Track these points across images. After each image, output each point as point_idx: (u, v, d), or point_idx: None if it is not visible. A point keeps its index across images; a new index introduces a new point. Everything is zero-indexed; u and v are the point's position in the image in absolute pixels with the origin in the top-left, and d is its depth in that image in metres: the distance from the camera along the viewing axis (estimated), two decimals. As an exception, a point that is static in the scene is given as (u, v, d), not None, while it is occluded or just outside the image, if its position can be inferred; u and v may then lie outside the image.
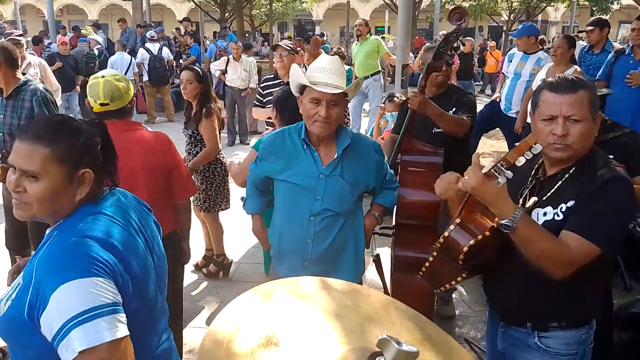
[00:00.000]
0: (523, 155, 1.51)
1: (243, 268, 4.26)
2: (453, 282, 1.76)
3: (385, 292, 3.13)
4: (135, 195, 1.61)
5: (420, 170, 2.88)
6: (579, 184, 1.61)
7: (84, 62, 9.61)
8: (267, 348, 0.95)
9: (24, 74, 3.41)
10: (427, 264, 1.78)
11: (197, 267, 4.18)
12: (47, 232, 1.39)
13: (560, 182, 1.66)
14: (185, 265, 2.84)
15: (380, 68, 7.97)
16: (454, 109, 3.10)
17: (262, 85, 4.43)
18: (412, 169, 2.88)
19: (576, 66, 4.85)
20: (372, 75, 7.73)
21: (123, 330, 1.20)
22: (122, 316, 1.22)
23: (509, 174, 1.52)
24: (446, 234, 1.66)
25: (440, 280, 1.80)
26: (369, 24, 8.02)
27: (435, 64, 2.97)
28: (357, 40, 7.91)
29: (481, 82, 15.79)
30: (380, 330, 1.03)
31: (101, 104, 2.35)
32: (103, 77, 2.39)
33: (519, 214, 1.53)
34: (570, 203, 1.60)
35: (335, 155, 2.06)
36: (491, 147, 8.09)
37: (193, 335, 3.29)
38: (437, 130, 3.10)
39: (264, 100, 4.24)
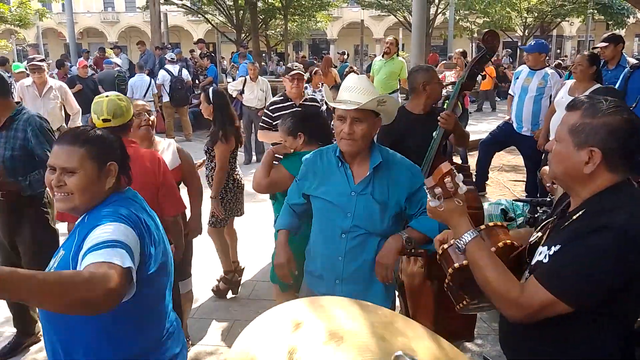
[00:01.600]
0: (446, 182, 1.50)
1: (260, 286, 4.27)
2: (461, 305, 1.71)
3: (406, 313, 3.12)
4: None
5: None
6: (574, 227, 1.44)
7: (115, 84, 9.91)
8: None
9: (17, 102, 3.23)
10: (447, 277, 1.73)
11: (217, 292, 4.13)
12: (77, 221, 1.70)
13: (566, 223, 1.49)
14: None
15: (398, 86, 8.02)
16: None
17: (271, 107, 4.35)
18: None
19: (599, 84, 4.81)
20: (390, 93, 7.78)
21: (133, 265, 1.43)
22: (129, 258, 1.44)
23: (435, 202, 1.53)
24: (445, 246, 1.66)
25: (455, 297, 1.76)
26: (399, 43, 8.06)
27: (468, 84, 3.07)
28: (383, 57, 7.91)
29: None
30: (396, 347, 1.05)
31: (104, 120, 2.58)
32: (107, 96, 2.65)
33: (470, 236, 1.52)
34: (557, 247, 1.43)
35: (368, 173, 2.10)
36: (508, 162, 8.05)
37: (203, 354, 3.31)
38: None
39: (273, 123, 4.18)
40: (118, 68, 11.06)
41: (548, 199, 3.13)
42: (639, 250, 1.33)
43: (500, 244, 1.62)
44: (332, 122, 2.31)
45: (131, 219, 1.57)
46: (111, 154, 1.69)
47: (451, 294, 1.72)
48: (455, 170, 1.52)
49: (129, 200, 1.68)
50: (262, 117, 4.38)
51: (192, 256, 3.32)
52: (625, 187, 1.44)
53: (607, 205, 1.40)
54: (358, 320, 1.21)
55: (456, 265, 1.60)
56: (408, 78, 3.50)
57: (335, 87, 4.35)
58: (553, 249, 1.44)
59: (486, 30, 3.26)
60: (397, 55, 7.94)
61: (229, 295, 4.11)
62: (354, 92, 2.01)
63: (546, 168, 2.29)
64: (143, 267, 1.56)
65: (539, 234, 1.61)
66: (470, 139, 3.39)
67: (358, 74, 6.82)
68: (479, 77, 9.40)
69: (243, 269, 4.23)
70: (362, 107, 1.97)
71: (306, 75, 5.26)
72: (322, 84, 7.32)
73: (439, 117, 3.06)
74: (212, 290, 4.11)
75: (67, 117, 6.33)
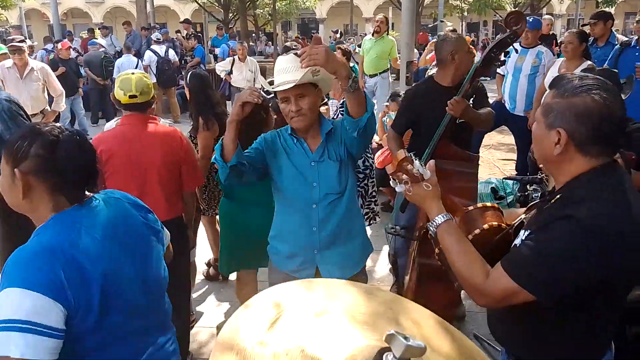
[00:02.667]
0: (407, 168, 1.53)
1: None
2: (457, 283, 1.71)
3: (398, 289, 3.14)
4: (128, 196, 1.66)
5: (453, 177, 2.74)
6: (546, 213, 1.40)
7: (103, 66, 9.76)
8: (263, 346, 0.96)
9: None
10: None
11: (208, 277, 4.17)
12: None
13: (544, 207, 1.45)
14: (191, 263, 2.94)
15: (389, 66, 7.94)
16: (473, 98, 3.04)
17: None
18: (445, 176, 2.77)
19: (589, 61, 4.80)
20: (380, 73, 7.71)
21: (34, 354, 1.22)
22: (42, 340, 1.24)
23: (401, 186, 1.56)
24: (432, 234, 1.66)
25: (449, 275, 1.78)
26: (389, 22, 7.95)
27: (483, 70, 2.82)
28: (373, 36, 7.80)
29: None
30: (390, 327, 1.04)
31: (130, 96, 2.61)
32: (133, 74, 2.70)
33: (441, 219, 1.52)
34: (527, 232, 1.41)
35: (321, 141, 2.19)
36: (499, 141, 8.07)
37: (201, 334, 3.34)
38: (460, 120, 2.99)
39: None
40: (103, 49, 10.87)
41: (538, 177, 3.12)
42: (599, 245, 1.27)
43: (485, 226, 1.62)
44: None
45: (41, 276, 1.28)
46: (28, 161, 1.39)
47: (449, 273, 1.73)
48: (412, 157, 1.54)
49: (66, 225, 1.41)
50: None
51: (195, 229, 3.45)
52: (602, 174, 1.36)
53: (577, 194, 1.34)
54: (353, 297, 1.20)
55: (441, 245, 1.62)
56: (435, 48, 3.29)
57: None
58: (525, 233, 1.42)
59: (511, 11, 2.95)
60: (387, 34, 7.85)
61: (220, 278, 4.11)
62: (288, 72, 2.07)
63: None
64: (75, 320, 1.32)
65: (523, 215, 1.58)
66: (492, 117, 3.14)
67: (350, 54, 6.72)
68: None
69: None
70: (299, 82, 2.02)
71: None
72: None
73: (448, 102, 2.84)
74: (203, 274, 4.12)
75: (51, 99, 6.21)
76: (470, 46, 3.21)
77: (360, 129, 2.03)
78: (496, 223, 1.63)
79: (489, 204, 1.76)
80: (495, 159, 7.22)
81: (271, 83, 2.20)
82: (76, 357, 1.35)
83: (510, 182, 4.69)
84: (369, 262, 4.27)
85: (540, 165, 2.38)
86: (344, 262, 2.25)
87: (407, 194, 1.57)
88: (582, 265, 1.28)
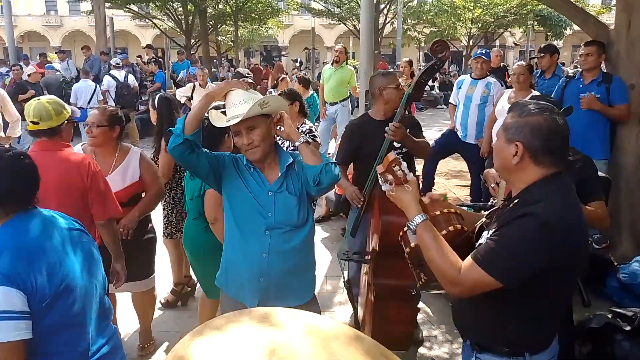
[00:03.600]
0: (394, 169, 1.72)
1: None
2: (420, 283, 1.91)
3: (355, 316, 3.16)
4: (61, 213, 1.88)
5: None
6: (507, 214, 1.64)
7: (62, 89, 9.56)
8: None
9: None
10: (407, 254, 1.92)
11: (166, 304, 4.04)
12: None
13: (505, 210, 1.70)
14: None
15: (348, 94, 8.10)
16: (407, 131, 3.15)
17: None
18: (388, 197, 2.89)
19: (535, 92, 5.05)
20: (341, 101, 7.86)
21: (10, 336, 1.50)
22: (16, 323, 1.51)
23: (386, 186, 1.76)
24: (405, 228, 1.82)
25: (415, 275, 1.96)
26: (347, 52, 8.14)
27: (415, 94, 3.01)
28: (332, 65, 7.96)
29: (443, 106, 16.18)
30: None
31: (32, 122, 2.61)
32: (39, 99, 2.68)
33: (420, 219, 1.70)
34: (492, 231, 1.65)
35: (280, 173, 2.21)
36: (454, 167, 8.28)
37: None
38: (396, 152, 3.17)
39: None
40: (58, 73, 10.67)
41: (489, 204, 3.22)
42: (552, 235, 1.52)
43: (451, 228, 1.84)
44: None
45: (8, 273, 1.54)
46: None
47: (413, 272, 1.95)
48: (400, 159, 1.74)
49: (13, 230, 1.65)
50: None
51: (152, 255, 3.34)
52: (555, 181, 1.62)
53: (534, 196, 1.59)
54: (300, 333, 1.21)
55: (412, 244, 1.80)
56: (369, 85, 3.50)
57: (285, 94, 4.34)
58: (490, 232, 1.65)
59: (435, 40, 3.20)
60: (347, 63, 8.04)
61: (179, 304, 4.03)
62: (237, 106, 2.10)
63: (490, 170, 2.41)
64: (31, 301, 1.56)
65: (485, 219, 1.84)
66: (429, 147, 3.34)
67: (309, 82, 6.78)
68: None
69: (190, 278, 4.12)
70: (245, 116, 2.07)
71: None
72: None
73: (386, 129, 3.03)
74: (160, 302, 4.00)
75: (6, 125, 6.02)
76: (409, 77, 3.44)
77: (315, 178, 2.12)
78: (460, 226, 1.86)
79: (452, 209, 1.94)
80: (452, 185, 7.41)
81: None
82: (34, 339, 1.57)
83: (465, 208, 4.81)
84: (328, 288, 4.33)
85: (492, 185, 2.51)
86: (289, 293, 2.22)
87: (390, 194, 1.76)
88: (539, 252, 1.53)
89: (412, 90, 3.02)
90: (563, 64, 9.77)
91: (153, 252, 3.36)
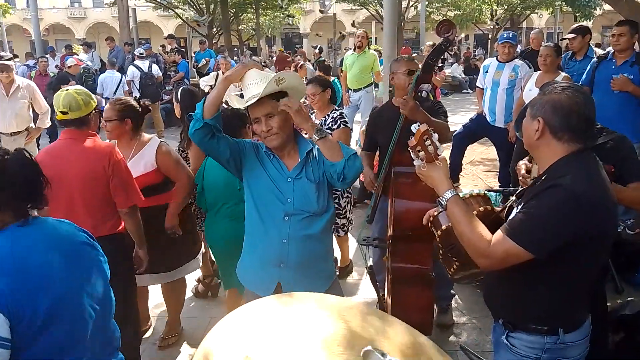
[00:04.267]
0: (426, 143, 1.70)
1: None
2: (452, 270, 1.92)
3: (380, 302, 3.15)
4: (70, 223, 1.71)
5: (414, 181, 2.88)
6: (536, 189, 1.68)
7: (83, 80, 9.73)
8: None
9: None
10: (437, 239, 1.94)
11: (196, 294, 4.11)
12: None
13: (531, 187, 1.76)
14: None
15: (372, 80, 8.03)
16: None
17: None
18: (406, 180, 2.89)
19: (564, 73, 4.93)
20: (365, 87, 7.79)
21: None
22: None
23: (418, 161, 1.76)
24: (435, 212, 1.86)
25: (446, 262, 1.97)
26: (369, 36, 8.06)
27: (425, 76, 2.99)
28: (354, 51, 7.88)
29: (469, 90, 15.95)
30: (369, 343, 1.05)
31: (62, 112, 2.67)
32: (67, 90, 2.74)
33: (450, 194, 1.72)
34: (521, 205, 1.70)
35: (299, 160, 2.21)
36: (481, 154, 8.16)
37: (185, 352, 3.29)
38: None
39: None
40: (83, 65, 10.83)
41: (520, 189, 3.17)
42: (579, 207, 1.56)
43: (481, 208, 1.88)
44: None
45: None
46: None
47: (443, 260, 1.95)
48: (431, 132, 1.73)
49: (10, 239, 1.47)
50: None
51: (185, 246, 3.34)
52: (579, 157, 1.66)
53: (560, 171, 1.64)
54: (327, 313, 1.21)
55: (444, 227, 1.82)
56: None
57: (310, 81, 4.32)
58: (519, 207, 1.70)
59: (441, 20, 3.19)
60: (369, 48, 7.95)
61: (209, 294, 4.07)
62: (253, 86, 2.10)
63: (521, 162, 2.36)
64: (16, 328, 1.36)
65: (514, 198, 1.87)
66: (448, 131, 3.28)
67: (330, 69, 6.74)
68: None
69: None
70: (263, 94, 2.06)
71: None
72: (306, 77, 7.33)
73: (400, 101, 3.02)
74: (192, 291, 4.07)
75: (36, 116, 6.14)
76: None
77: (339, 174, 2.07)
78: (490, 207, 1.90)
79: (481, 192, 1.98)
80: (479, 171, 7.30)
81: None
82: None
83: (493, 193, 4.74)
84: (354, 275, 4.32)
85: (521, 177, 2.45)
86: (308, 279, 2.21)
87: (422, 169, 1.77)
88: (568, 222, 1.57)
89: (422, 71, 3.01)
90: (599, 45, 9.40)
91: (187, 243, 3.36)
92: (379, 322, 1.26)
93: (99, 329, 1.60)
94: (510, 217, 1.71)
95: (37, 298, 1.40)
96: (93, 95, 2.86)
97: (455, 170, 5.80)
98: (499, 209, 1.96)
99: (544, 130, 1.68)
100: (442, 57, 3.05)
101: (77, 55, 11.98)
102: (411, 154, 1.78)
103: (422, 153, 1.73)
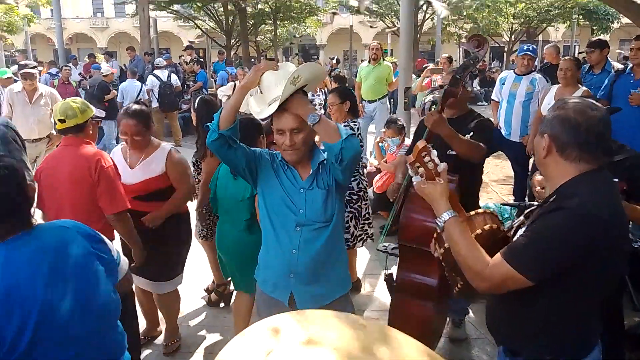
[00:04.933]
0: (425, 160, 1.66)
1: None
2: (457, 288, 1.87)
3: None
4: (79, 225, 1.70)
5: None
6: (542, 210, 1.60)
7: (108, 89, 9.90)
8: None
9: None
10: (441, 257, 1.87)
11: (209, 303, 4.10)
12: None
13: (538, 208, 1.66)
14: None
15: (387, 92, 8.06)
16: (471, 134, 3.03)
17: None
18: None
19: (583, 87, 4.89)
20: (379, 99, 7.84)
21: None
22: None
23: (417, 178, 1.71)
24: (439, 230, 1.77)
25: (451, 280, 1.93)
26: (383, 48, 8.09)
27: (452, 90, 2.95)
28: (370, 62, 7.94)
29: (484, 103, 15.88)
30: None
31: (59, 120, 2.81)
32: (65, 100, 2.91)
33: (447, 216, 1.67)
34: (525, 227, 1.62)
35: (312, 171, 2.21)
36: (496, 166, 8.12)
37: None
38: (452, 152, 3.04)
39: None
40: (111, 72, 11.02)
41: (536, 203, 3.15)
42: (586, 230, 1.47)
43: (486, 227, 1.78)
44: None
45: None
46: None
47: (449, 278, 1.92)
48: (430, 148, 1.67)
49: None
50: None
51: (181, 257, 3.36)
52: (591, 177, 1.56)
53: (568, 192, 1.54)
54: (340, 329, 1.21)
55: (446, 245, 1.74)
56: None
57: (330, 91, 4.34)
58: (524, 229, 1.62)
59: (473, 34, 3.13)
60: (383, 60, 7.99)
61: (221, 304, 4.07)
62: (270, 90, 2.09)
63: (536, 175, 2.35)
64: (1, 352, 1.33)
65: (522, 218, 1.77)
66: (477, 150, 3.01)
67: (345, 80, 6.75)
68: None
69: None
70: (283, 98, 2.04)
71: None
72: (320, 88, 7.38)
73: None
74: (205, 300, 4.09)
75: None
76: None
77: (337, 155, 2.04)
78: (496, 225, 1.81)
79: (488, 210, 1.90)
80: (493, 184, 7.27)
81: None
82: None
83: (508, 207, 4.72)
84: (366, 287, 4.31)
85: (536, 190, 2.44)
86: (319, 290, 2.22)
87: (421, 186, 1.71)
88: (570, 245, 1.48)
89: (449, 85, 2.96)
90: (626, 58, 9.24)
91: (182, 254, 3.38)
92: (389, 340, 1.26)
93: (96, 334, 1.57)
94: (514, 239, 1.65)
95: (20, 317, 1.36)
96: (90, 105, 2.97)
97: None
98: (506, 227, 1.89)
99: (551, 147, 1.59)
100: (471, 72, 2.96)
101: (99, 64, 12.21)
102: (409, 171, 1.74)
103: (421, 169, 1.69)
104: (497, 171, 7.92)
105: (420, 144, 1.67)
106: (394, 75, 8.07)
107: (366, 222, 4.05)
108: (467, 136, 3.00)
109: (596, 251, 1.48)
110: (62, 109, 2.81)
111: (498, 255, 1.57)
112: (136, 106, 3.16)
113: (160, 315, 3.54)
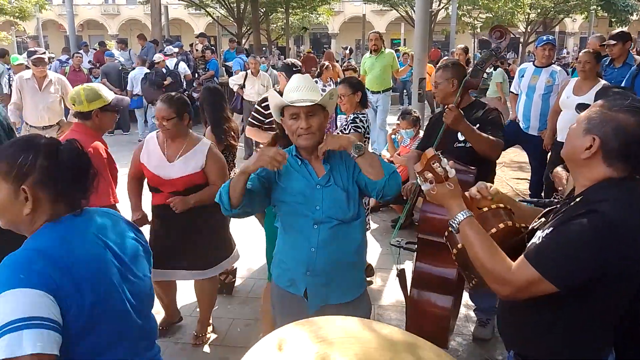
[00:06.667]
0: (434, 166, 1.60)
1: (258, 285, 4.20)
2: (472, 284, 1.81)
3: (407, 307, 3.08)
4: (115, 213, 1.69)
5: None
6: (568, 212, 1.50)
7: (121, 77, 9.87)
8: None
9: None
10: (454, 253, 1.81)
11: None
12: None
13: (564, 208, 1.56)
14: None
15: (391, 84, 7.97)
16: (477, 126, 2.97)
17: (263, 104, 4.05)
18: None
19: (603, 81, 4.76)
20: (384, 91, 7.74)
21: (47, 347, 1.22)
22: (49, 333, 1.24)
23: (426, 185, 1.64)
24: (453, 231, 1.70)
25: (466, 277, 1.86)
26: (383, 37, 7.99)
27: (472, 81, 2.91)
28: (371, 54, 7.84)
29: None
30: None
31: (72, 104, 2.87)
32: (80, 86, 2.95)
33: (463, 216, 1.60)
34: (550, 229, 1.50)
35: (325, 171, 2.17)
36: (510, 159, 8.00)
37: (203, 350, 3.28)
38: (459, 145, 3.04)
39: (265, 121, 4.07)
40: (117, 61, 11.00)
41: (555, 200, 3.05)
42: (617, 236, 1.38)
43: (501, 225, 1.68)
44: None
45: (40, 274, 1.29)
46: (31, 174, 1.38)
47: (463, 274, 1.86)
48: (439, 155, 1.61)
49: (59, 233, 1.42)
50: (253, 113, 4.17)
51: (220, 242, 3.36)
52: (624, 183, 1.47)
53: (599, 196, 1.45)
54: (359, 333, 1.17)
55: (459, 245, 1.68)
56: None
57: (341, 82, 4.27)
58: (546, 231, 1.50)
59: (494, 25, 3.06)
60: (384, 48, 7.88)
61: (223, 293, 4.03)
62: (302, 90, 2.10)
63: (558, 169, 2.26)
64: (66, 320, 1.31)
65: (542, 219, 1.66)
66: (495, 148, 2.98)
67: (357, 70, 6.66)
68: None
69: (236, 269, 4.17)
70: (321, 101, 2.07)
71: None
72: (331, 78, 7.28)
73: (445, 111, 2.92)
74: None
75: (67, 111, 6.25)
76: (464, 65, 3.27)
77: (378, 192, 2.06)
78: (510, 223, 1.70)
79: (501, 205, 1.79)
80: (508, 177, 7.15)
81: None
82: None
83: (526, 204, 4.62)
84: (378, 281, 4.26)
85: (560, 188, 2.34)
86: (336, 289, 2.19)
87: (431, 193, 1.64)
88: (599, 254, 1.38)
89: (470, 76, 2.93)
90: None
91: (220, 241, 3.36)
92: (406, 345, 1.20)
93: (138, 324, 1.57)
94: (536, 241, 1.52)
95: (84, 292, 1.35)
96: (105, 95, 2.93)
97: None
98: (523, 224, 1.80)
99: (597, 152, 1.47)
100: (492, 63, 2.94)
101: (111, 51, 12.17)
102: (417, 179, 1.68)
103: (430, 175, 1.62)
104: (512, 164, 7.80)
105: (429, 152, 1.62)
106: (398, 62, 7.96)
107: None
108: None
109: (625, 260, 1.40)
110: (72, 95, 2.87)
111: (522, 258, 1.47)
112: (173, 93, 3.17)
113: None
